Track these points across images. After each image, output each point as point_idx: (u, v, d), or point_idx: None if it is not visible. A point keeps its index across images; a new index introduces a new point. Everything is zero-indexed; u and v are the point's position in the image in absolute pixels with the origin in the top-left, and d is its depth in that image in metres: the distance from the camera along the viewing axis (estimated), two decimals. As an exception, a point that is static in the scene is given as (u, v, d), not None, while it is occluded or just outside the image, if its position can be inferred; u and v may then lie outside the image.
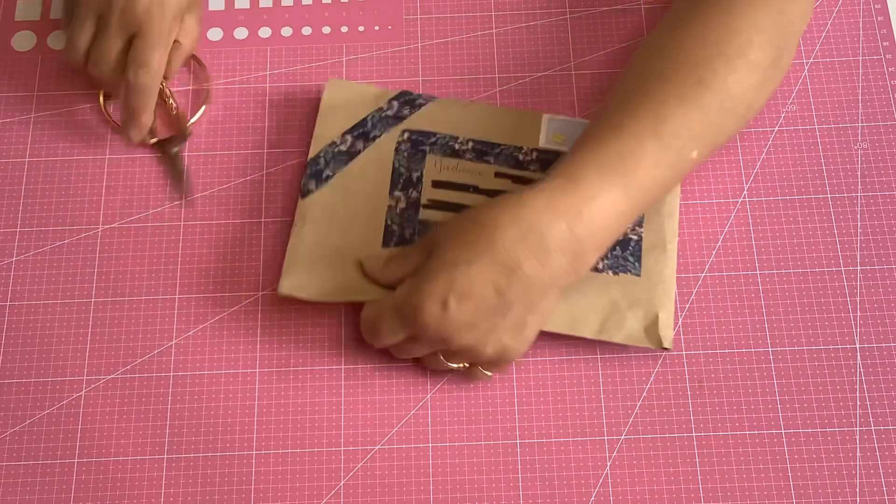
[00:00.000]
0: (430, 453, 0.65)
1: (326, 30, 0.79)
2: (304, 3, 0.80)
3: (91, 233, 0.72)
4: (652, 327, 0.66)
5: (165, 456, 0.65)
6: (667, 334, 0.66)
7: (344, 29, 0.79)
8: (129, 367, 0.68)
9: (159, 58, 0.69)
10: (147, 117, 0.71)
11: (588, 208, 0.59)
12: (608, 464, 0.65)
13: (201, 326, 0.69)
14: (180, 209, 0.72)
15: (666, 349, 0.66)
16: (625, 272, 0.67)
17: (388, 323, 0.61)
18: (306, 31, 0.78)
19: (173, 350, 0.68)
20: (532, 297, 0.60)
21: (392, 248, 0.67)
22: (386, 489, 0.64)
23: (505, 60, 0.77)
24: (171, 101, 0.74)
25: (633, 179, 0.60)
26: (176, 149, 0.73)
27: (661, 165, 0.61)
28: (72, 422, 0.66)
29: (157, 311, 0.69)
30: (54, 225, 0.72)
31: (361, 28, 0.79)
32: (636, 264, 0.67)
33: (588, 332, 0.66)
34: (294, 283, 0.66)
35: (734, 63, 0.62)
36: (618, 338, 0.66)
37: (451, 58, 0.77)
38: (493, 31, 0.78)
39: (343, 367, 0.67)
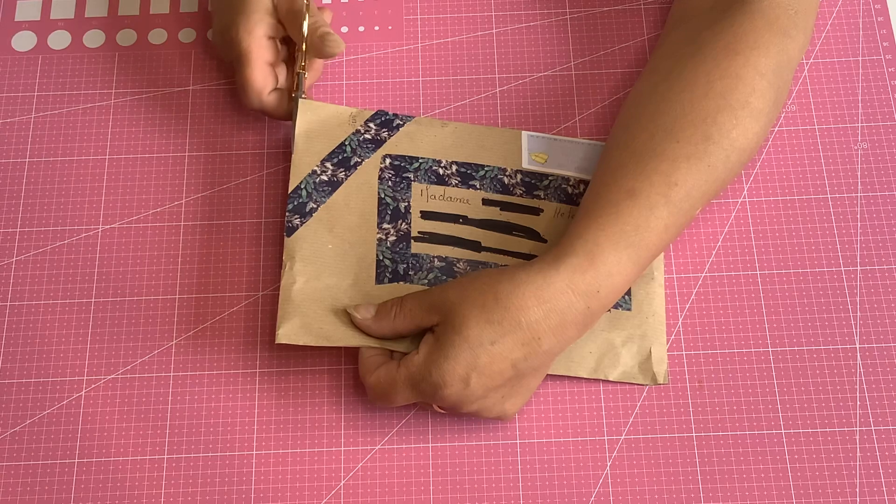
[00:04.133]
0: (430, 453, 0.65)
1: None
2: (304, 3, 0.80)
3: (91, 233, 0.72)
4: (646, 363, 0.66)
5: (165, 456, 0.65)
6: (660, 369, 0.66)
7: (344, 29, 0.79)
8: (129, 367, 0.68)
9: (246, 77, 0.69)
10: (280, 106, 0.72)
11: (605, 286, 0.60)
12: (608, 464, 0.65)
13: (201, 326, 0.69)
14: (180, 209, 0.72)
15: (661, 384, 0.66)
16: (616, 308, 0.67)
17: (403, 394, 0.61)
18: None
19: (173, 350, 0.68)
20: (542, 367, 0.62)
21: (383, 289, 0.66)
22: (386, 489, 0.64)
23: (505, 60, 0.77)
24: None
25: (645, 250, 0.62)
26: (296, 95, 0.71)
27: (670, 230, 0.62)
28: (72, 422, 0.66)
29: (157, 311, 0.69)
30: (54, 225, 0.72)
31: (361, 28, 0.79)
32: (627, 298, 0.68)
33: (584, 372, 0.66)
34: (289, 331, 0.64)
35: (739, 115, 0.63)
36: (613, 376, 0.66)
37: (451, 58, 0.77)
38: (493, 31, 0.78)
39: (343, 367, 0.67)
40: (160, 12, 0.80)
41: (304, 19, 0.69)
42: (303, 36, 0.70)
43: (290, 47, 0.73)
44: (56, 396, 0.67)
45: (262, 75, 0.69)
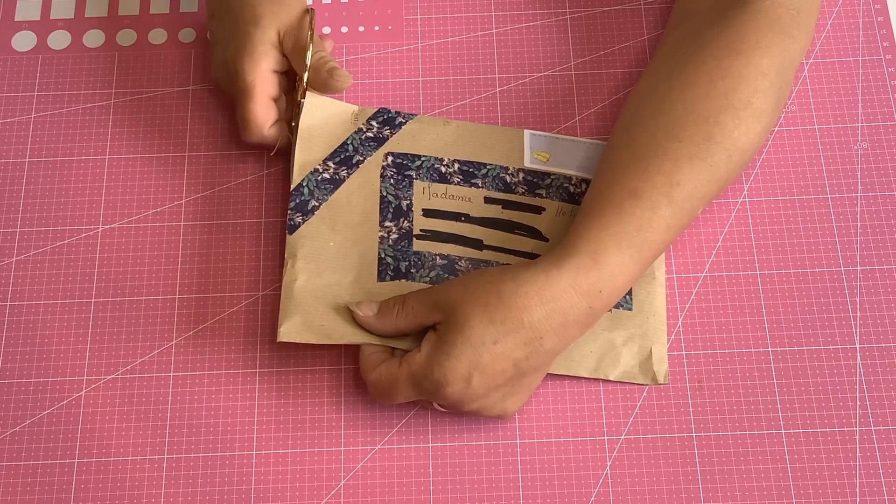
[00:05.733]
0: (430, 453, 0.65)
1: (326, 30, 0.79)
2: (304, 3, 0.80)
3: (91, 233, 0.72)
4: (646, 363, 0.66)
5: (165, 456, 0.65)
6: (661, 369, 0.66)
7: (344, 29, 0.79)
8: (129, 367, 0.68)
9: (249, 110, 0.68)
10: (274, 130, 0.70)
11: (608, 286, 0.60)
12: (608, 464, 0.65)
13: (201, 326, 0.69)
14: (180, 209, 0.72)
15: (661, 384, 0.66)
16: (617, 307, 0.67)
17: (404, 392, 0.61)
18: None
19: (173, 350, 0.68)
20: (543, 366, 0.62)
21: (384, 286, 0.66)
22: (386, 489, 0.64)
23: (505, 60, 0.77)
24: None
25: (647, 250, 0.62)
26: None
27: (672, 230, 0.62)
28: (72, 422, 0.66)
29: (157, 311, 0.69)
30: (54, 225, 0.72)
31: (361, 28, 0.79)
32: (628, 297, 0.68)
33: (585, 372, 0.66)
34: (291, 328, 0.64)
35: (741, 115, 0.63)
36: (613, 375, 0.66)
37: (451, 58, 0.77)
38: (493, 31, 0.78)
39: (343, 366, 0.67)
40: (160, 12, 0.80)
41: (308, 49, 0.68)
42: (305, 66, 0.69)
43: (291, 79, 0.72)
44: (56, 396, 0.67)
45: (265, 110, 0.68)
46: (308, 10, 0.70)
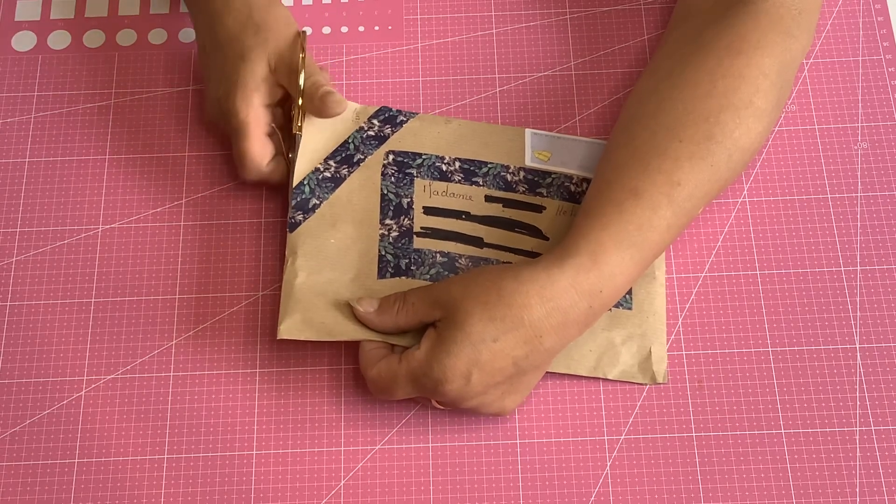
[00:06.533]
0: (430, 453, 0.65)
1: (326, 30, 0.79)
2: (304, 3, 0.80)
3: (91, 233, 0.72)
4: (645, 362, 0.66)
5: (165, 456, 0.65)
6: (660, 369, 0.66)
7: (344, 29, 0.79)
8: (129, 367, 0.68)
9: (245, 150, 0.68)
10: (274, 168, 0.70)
11: (608, 286, 0.61)
12: (608, 464, 0.65)
13: (201, 326, 0.69)
14: (180, 209, 0.72)
15: (660, 383, 0.66)
16: (617, 307, 0.67)
17: (403, 388, 0.61)
18: (307, 31, 0.78)
19: (173, 350, 0.68)
20: (542, 364, 0.62)
21: (385, 283, 0.66)
22: (386, 489, 0.64)
23: (505, 60, 0.77)
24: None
25: (647, 250, 0.62)
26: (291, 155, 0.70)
27: (672, 229, 0.63)
28: (72, 422, 0.66)
29: (157, 311, 0.69)
30: (54, 225, 0.72)
31: (361, 28, 0.79)
32: (627, 297, 0.68)
33: (584, 370, 0.66)
34: (291, 326, 0.64)
35: (742, 114, 0.63)
36: (612, 374, 0.66)
37: (451, 58, 0.77)
38: (493, 31, 0.78)
39: (343, 366, 0.68)
40: (160, 12, 0.80)
41: (300, 73, 0.67)
42: (300, 91, 0.68)
43: (286, 109, 0.71)
44: (56, 396, 0.67)
45: (260, 147, 0.68)
46: (299, 34, 0.69)
